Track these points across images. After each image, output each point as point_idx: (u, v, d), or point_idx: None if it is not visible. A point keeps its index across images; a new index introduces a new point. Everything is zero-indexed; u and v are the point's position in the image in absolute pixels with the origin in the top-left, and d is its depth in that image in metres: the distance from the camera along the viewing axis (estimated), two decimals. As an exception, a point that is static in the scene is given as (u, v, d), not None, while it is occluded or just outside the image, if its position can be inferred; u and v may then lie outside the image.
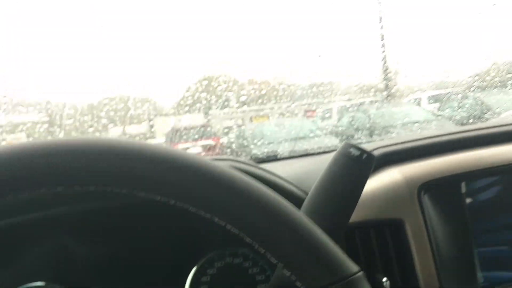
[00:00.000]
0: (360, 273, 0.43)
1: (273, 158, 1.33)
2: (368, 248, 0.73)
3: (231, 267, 0.84)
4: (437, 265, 0.71)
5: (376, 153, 0.78)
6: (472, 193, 0.77)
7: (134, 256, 0.81)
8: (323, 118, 5.41)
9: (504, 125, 0.85)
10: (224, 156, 0.74)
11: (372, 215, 0.73)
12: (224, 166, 0.43)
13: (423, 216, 0.72)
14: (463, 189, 0.76)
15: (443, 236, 0.74)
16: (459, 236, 0.75)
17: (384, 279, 0.70)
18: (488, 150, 0.79)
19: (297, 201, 0.63)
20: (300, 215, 0.43)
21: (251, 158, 1.34)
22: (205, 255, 0.84)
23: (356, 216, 0.73)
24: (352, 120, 4.26)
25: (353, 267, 0.42)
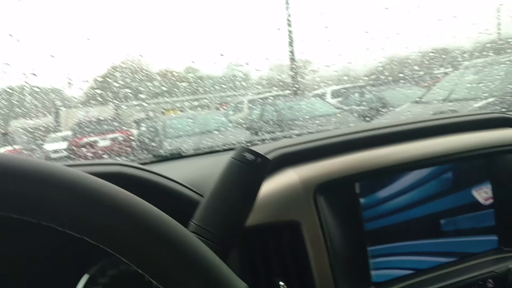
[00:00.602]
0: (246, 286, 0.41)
1: (177, 156, 1.29)
2: (265, 252, 0.72)
3: (125, 275, 0.79)
4: (332, 266, 0.72)
5: (272, 155, 0.77)
6: (366, 193, 0.79)
7: (16, 268, 0.73)
8: (235, 111, 5.43)
9: (395, 125, 0.88)
10: (111, 161, 0.69)
11: (268, 218, 0.72)
12: (92, 178, 0.39)
13: (319, 218, 0.72)
14: (357, 189, 0.78)
15: (338, 237, 0.75)
16: (353, 236, 0.77)
17: (281, 283, 0.70)
18: (381, 150, 0.81)
19: (193, 206, 0.60)
20: (178, 228, 0.41)
21: (154, 156, 1.29)
22: (96, 263, 0.78)
23: (253, 219, 0.71)
24: (262, 113, 4.32)
25: (238, 283, 0.40)
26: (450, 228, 0.85)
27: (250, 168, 0.59)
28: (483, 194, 0.87)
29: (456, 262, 0.84)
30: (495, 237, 0.88)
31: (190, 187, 0.72)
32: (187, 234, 0.41)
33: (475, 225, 0.87)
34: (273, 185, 0.74)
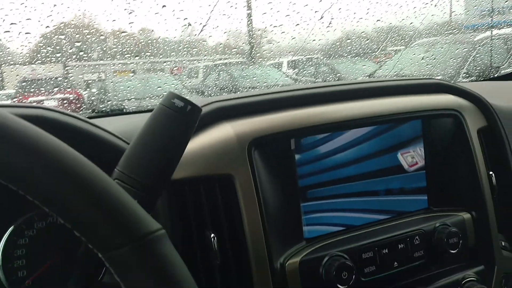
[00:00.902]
0: (161, 232, 0.40)
1: (117, 112, 1.25)
2: (197, 204, 0.71)
3: (54, 227, 0.77)
4: (264, 221, 0.72)
5: (208, 107, 0.75)
6: (301, 149, 0.79)
7: None
8: (189, 76, 5.33)
9: (334, 85, 0.88)
10: (35, 104, 0.65)
11: (202, 171, 0.71)
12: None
13: (253, 172, 0.72)
14: (293, 146, 0.78)
15: (272, 192, 0.75)
16: (287, 192, 0.77)
17: (212, 235, 0.70)
18: (318, 108, 0.81)
19: (120, 155, 0.58)
20: (89, 169, 0.39)
21: (93, 111, 1.24)
22: (22, 214, 0.75)
23: (186, 171, 0.70)
24: (216, 79, 4.26)
25: (152, 225, 0.39)
26: (383, 187, 0.87)
27: (179, 115, 0.57)
28: (409, 159, 0.90)
29: (386, 220, 0.87)
30: (425, 197, 0.92)
31: (118, 135, 0.69)
32: (102, 177, 0.39)
33: (407, 185, 0.89)
34: (207, 138, 0.73)
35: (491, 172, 0.93)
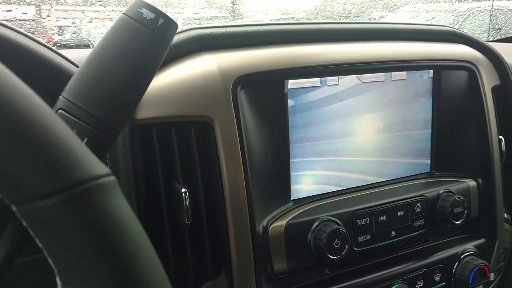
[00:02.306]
0: (108, 178, 0.26)
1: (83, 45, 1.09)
2: (167, 152, 0.58)
3: None
4: (248, 175, 0.60)
5: (186, 34, 0.61)
6: (295, 94, 0.66)
7: None
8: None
9: (339, 23, 0.75)
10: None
11: (174, 111, 0.57)
12: None
13: (237, 117, 0.59)
14: (286, 89, 0.65)
15: (258, 143, 0.63)
16: (276, 144, 0.65)
17: (183, 190, 0.57)
18: (320, 47, 0.68)
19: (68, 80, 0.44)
20: (13, 86, 0.25)
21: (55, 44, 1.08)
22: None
23: (155, 111, 0.57)
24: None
25: (95, 169, 0.26)
26: (382, 146, 0.75)
27: (148, 31, 0.43)
28: (414, 116, 0.78)
29: (384, 182, 0.76)
30: (428, 161, 0.81)
31: (69, 58, 0.55)
32: (32, 101, 0.26)
33: (409, 146, 0.78)
34: (183, 71, 0.59)
35: (500, 137, 0.83)
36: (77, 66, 0.54)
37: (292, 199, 0.68)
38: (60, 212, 0.24)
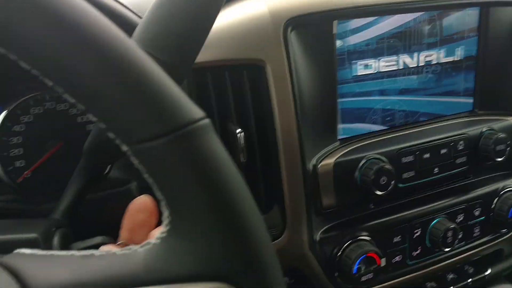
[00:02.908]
0: (205, 121, 0.29)
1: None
2: (222, 94, 0.60)
3: (53, 113, 0.67)
4: (298, 116, 0.62)
5: (238, -25, 0.62)
6: (342, 35, 0.67)
7: None
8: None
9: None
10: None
11: (227, 55, 0.59)
12: None
13: (288, 58, 0.61)
14: (335, 30, 0.65)
15: (308, 83, 0.65)
16: (324, 84, 0.66)
17: (238, 130, 0.60)
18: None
19: (131, 30, 0.46)
20: (118, 34, 0.27)
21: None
22: (16, 99, 0.65)
23: (208, 55, 0.59)
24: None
25: (194, 112, 0.29)
26: (426, 85, 0.76)
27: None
28: (458, 55, 0.78)
29: (427, 121, 0.77)
30: (470, 100, 0.81)
31: (132, 8, 0.57)
32: (134, 49, 0.28)
33: (452, 84, 0.79)
34: (233, 14, 0.60)
35: (545, 74, 0.82)
36: (138, 15, 0.55)
37: (338, 138, 0.70)
38: (169, 151, 0.27)
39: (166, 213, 0.29)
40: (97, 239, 0.50)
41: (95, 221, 0.60)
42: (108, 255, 0.30)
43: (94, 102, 0.27)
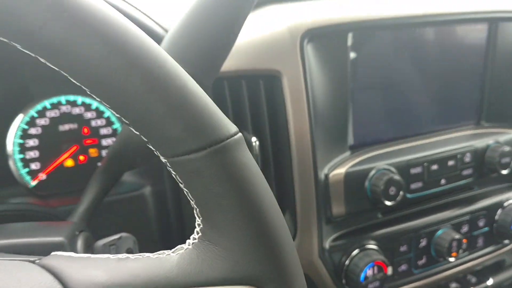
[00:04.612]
0: (238, 135, 0.30)
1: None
2: (238, 103, 0.62)
3: (69, 117, 0.68)
4: (312, 125, 0.63)
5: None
6: (357, 47, 0.68)
7: None
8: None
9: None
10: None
11: (245, 65, 0.61)
12: None
13: (304, 69, 0.62)
14: (349, 41, 0.67)
15: (322, 93, 0.66)
16: (337, 94, 0.68)
17: (254, 139, 0.61)
18: (377, 1, 0.69)
19: (156, 40, 0.47)
20: (160, 52, 0.29)
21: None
22: (34, 103, 0.66)
23: (227, 65, 0.59)
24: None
25: (229, 127, 0.30)
26: (434, 97, 0.78)
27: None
28: (466, 68, 0.79)
29: (435, 133, 0.79)
30: (477, 112, 0.83)
31: (155, 20, 0.58)
32: (176, 68, 0.29)
33: (459, 97, 0.80)
34: (253, 26, 0.62)
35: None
36: (164, 28, 0.57)
37: (349, 147, 0.71)
38: (205, 164, 0.29)
39: (198, 221, 0.31)
40: (118, 236, 0.51)
41: (110, 224, 0.61)
42: (143, 259, 0.32)
43: (138, 118, 0.28)
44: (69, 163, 0.69)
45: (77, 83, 0.28)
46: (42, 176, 0.68)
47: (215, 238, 0.31)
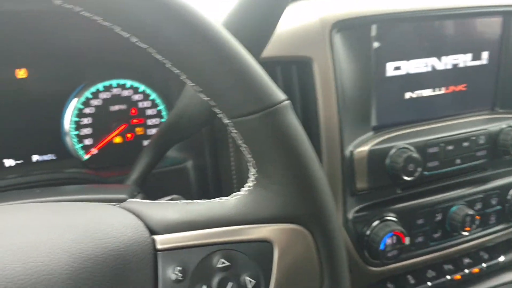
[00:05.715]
0: (287, 102, 0.38)
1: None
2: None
3: (119, 99, 0.76)
4: (339, 106, 0.70)
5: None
6: (379, 37, 0.75)
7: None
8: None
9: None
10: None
11: (279, 52, 0.68)
12: None
13: (332, 56, 0.69)
14: (373, 32, 0.73)
15: (348, 78, 0.73)
16: (362, 79, 0.74)
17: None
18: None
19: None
20: (222, 31, 0.36)
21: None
22: (88, 86, 0.74)
23: (266, 52, 0.67)
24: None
25: (279, 95, 0.38)
26: (452, 84, 0.84)
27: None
28: (483, 57, 0.85)
29: (452, 117, 0.85)
30: (491, 98, 0.89)
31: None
32: (232, 40, 0.37)
33: (477, 85, 0.86)
34: (288, 16, 0.69)
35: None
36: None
37: (372, 128, 0.78)
38: (261, 124, 0.36)
39: (253, 171, 0.38)
40: (170, 197, 0.59)
41: (155, 195, 0.69)
42: (206, 202, 0.40)
43: (209, 85, 0.36)
44: (118, 140, 0.77)
45: (163, 60, 0.36)
46: (94, 151, 0.76)
47: (267, 184, 0.38)
